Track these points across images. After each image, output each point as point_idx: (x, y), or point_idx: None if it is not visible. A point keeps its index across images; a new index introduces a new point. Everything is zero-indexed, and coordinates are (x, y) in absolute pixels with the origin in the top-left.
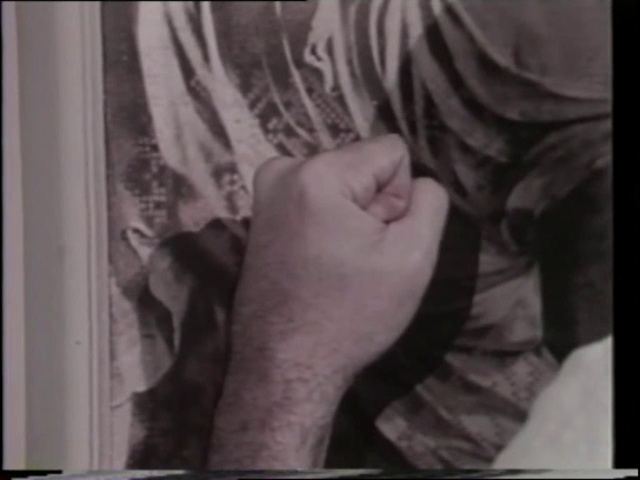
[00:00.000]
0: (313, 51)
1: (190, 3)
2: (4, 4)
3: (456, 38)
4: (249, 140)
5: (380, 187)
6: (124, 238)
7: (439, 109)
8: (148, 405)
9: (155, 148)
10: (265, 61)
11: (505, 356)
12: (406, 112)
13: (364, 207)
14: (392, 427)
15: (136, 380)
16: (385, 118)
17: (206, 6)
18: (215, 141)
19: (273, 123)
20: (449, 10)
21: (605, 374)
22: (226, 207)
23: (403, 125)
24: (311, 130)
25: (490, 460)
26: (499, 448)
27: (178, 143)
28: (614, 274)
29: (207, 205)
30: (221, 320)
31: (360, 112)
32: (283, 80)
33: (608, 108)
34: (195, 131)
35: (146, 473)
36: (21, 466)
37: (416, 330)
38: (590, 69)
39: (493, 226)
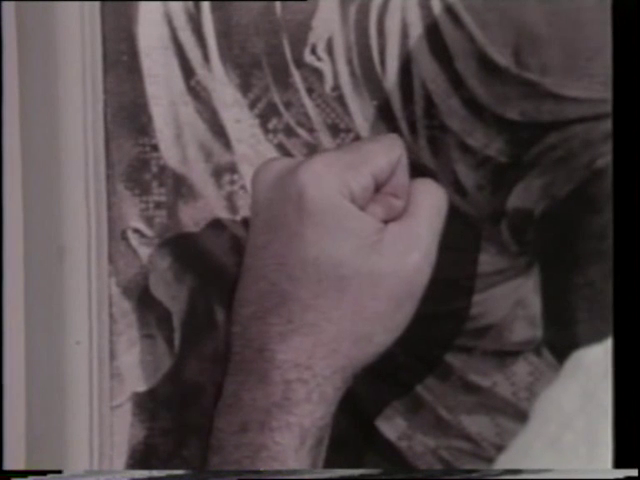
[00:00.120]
0: (313, 51)
1: (190, 3)
2: (4, 4)
3: (456, 38)
4: (249, 140)
5: (378, 187)
6: (124, 238)
7: (439, 109)
8: (148, 405)
9: (155, 148)
10: (265, 61)
11: (505, 356)
12: (406, 112)
13: (363, 207)
14: (392, 427)
15: (136, 380)
16: (385, 118)
17: (206, 6)
18: (215, 141)
19: (273, 123)
20: (449, 10)
21: (605, 376)
22: (226, 207)
23: (403, 125)
24: (311, 130)
25: (490, 460)
26: (499, 448)
27: (178, 143)
28: (614, 274)
29: (207, 205)
30: (221, 320)
31: (360, 112)
32: (283, 80)
33: (608, 108)
34: (195, 131)
35: (146, 473)
36: (21, 466)
37: (416, 330)
38: (590, 69)
39: (493, 226)
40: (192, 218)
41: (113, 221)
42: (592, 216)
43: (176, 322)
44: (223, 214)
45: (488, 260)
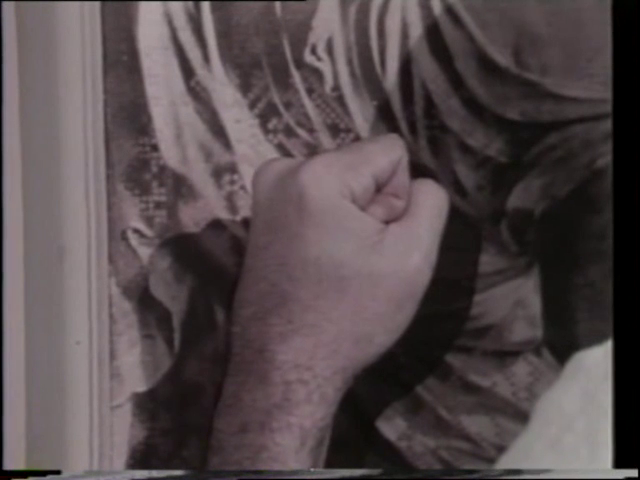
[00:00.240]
0: (313, 51)
1: (190, 3)
2: (4, 4)
3: (456, 38)
4: (249, 140)
5: (379, 187)
6: (124, 238)
7: (439, 109)
8: (148, 405)
9: (155, 148)
10: (265, 61)
11: (505, 356)
12: (406, 112)
13: (363, 208)
14: (392, 427)
15: (136, 380)
16: (385, 118)
17: (206, 6)
18: (215, 141)
19: (273, 123)
20: (449, 10)
21: (605, 378)
22: (226, 207)
23: (403, 125)
24: (311, 130)
25: (490, 460)
26: (499, 448)
27: (178, 143)
28: (614, 274)
29: (207, 205)
30: (221, 320)
31: (360, 112)
32: (283, 80)
33: (608, 108)
34: (195, 131)
35: (145, 473)
36: (21, 466)
37: (416, 330)
38: (590, 69)
39: (493, 226)
40: (192, 218)
41: (113, 221)
42: (592, 216)
43: (176, 322)
44: (223, 214)
45: (488, 260)
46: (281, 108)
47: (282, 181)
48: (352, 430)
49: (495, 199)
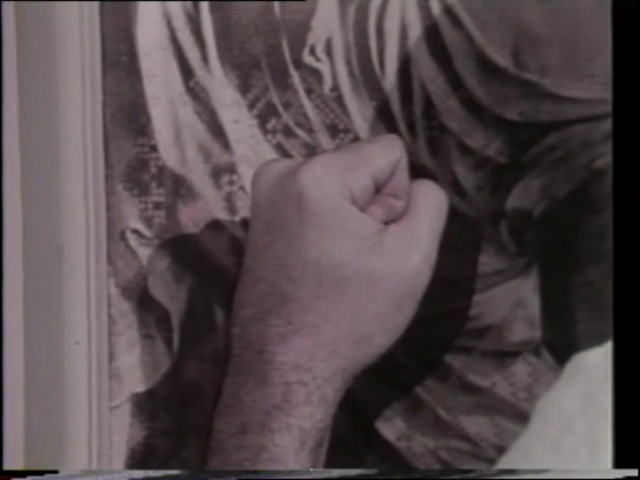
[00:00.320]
0: (312, 52)
1: (189, 3)
2: (4, 4)
3: (455, 39)
4: (248, 140)
5: (378, 188)
6: (123, 239)
7: (438, 110)
8: (147, 406)
9: (154, 148)
10: (264, 61)
11: (504, 356)
12: (405, 113)
13: (363, 208)
14: (391, 427)
15: (135, 381)
16: (384, 119)
17: (205, 6)
18: (214, 141)
19: (272, 123)
20: (448, 11)
21: (605, 379)
22: (225, 208)
23: (402, 126)
24: (310, 131)
25: (489, 460)
26: (498, 448)
27: (177, 143)
28: (614, 274)
29: (206, 206)
30: (220, 321)
31: (359, 113)
32: (282, 81)
33: (608, 108)
34: (194, 131)
35: (142, 473)
36: (20, 466)
37: (415, 331)
38: (590, 69)
39: (492, 227)
40: (191, 219)
41: (112, 222)
42: (592, 216)
43: (175, 323)
44: (222, 215)
45: (487, 261)
46: (280, 108)
47: (281, 182)
48: (351, 431)
49: (494, 199)
